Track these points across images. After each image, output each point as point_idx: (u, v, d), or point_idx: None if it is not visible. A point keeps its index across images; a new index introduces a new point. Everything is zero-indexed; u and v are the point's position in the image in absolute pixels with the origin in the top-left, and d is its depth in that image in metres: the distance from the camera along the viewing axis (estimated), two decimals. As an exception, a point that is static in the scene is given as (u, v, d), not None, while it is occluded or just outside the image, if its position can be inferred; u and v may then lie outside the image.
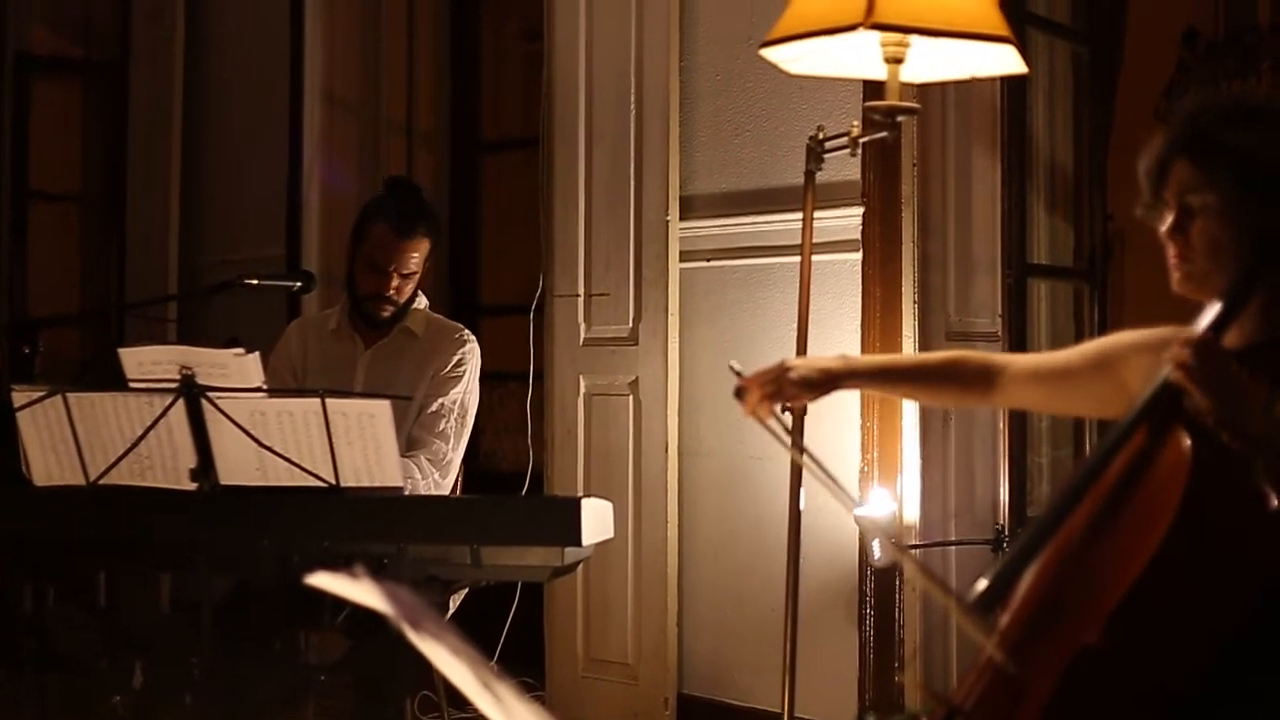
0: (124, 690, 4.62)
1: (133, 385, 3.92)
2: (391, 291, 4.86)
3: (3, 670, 6.19)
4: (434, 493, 4.74)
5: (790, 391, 3.11)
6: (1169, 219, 2.74)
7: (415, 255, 4.88)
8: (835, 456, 5.12)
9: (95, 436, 3.99)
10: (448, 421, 4.85)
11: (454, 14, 7.76)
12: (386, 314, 4.90)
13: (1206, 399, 2.46)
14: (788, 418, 4.36)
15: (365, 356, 4.94)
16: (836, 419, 5.09)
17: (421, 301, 5.04)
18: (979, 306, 5.50)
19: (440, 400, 4.85)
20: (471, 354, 4.96)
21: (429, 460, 4.77)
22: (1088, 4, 5.96)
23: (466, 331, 5.02)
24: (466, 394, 4.92)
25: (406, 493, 4.59)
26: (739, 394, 3.14)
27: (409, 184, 5.33)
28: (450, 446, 4.85)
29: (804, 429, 4.18)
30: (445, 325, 5.07)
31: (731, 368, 3.14)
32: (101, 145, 8.99)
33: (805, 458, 2.97)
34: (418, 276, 4.92)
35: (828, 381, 3.13)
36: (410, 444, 4.78)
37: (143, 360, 3.91)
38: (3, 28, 9.11)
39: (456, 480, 4.99)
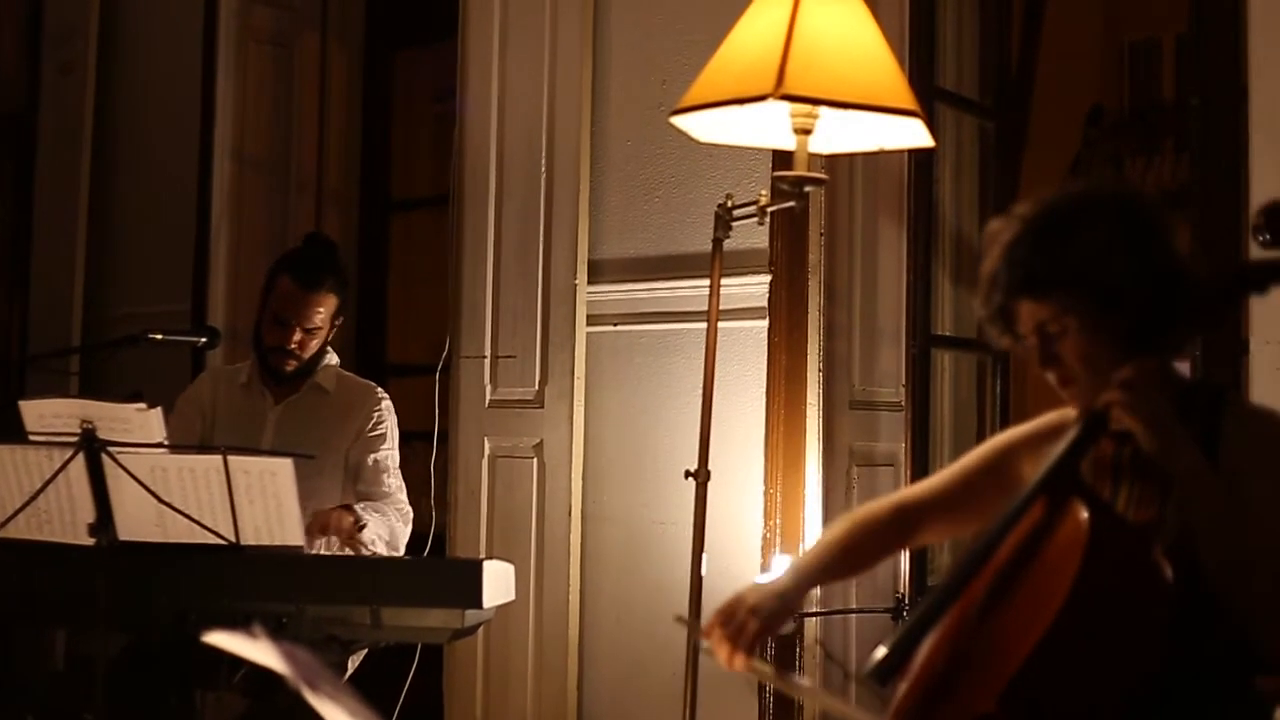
0: (16, 746, 4.56)
1: (32, 438, 3.89)
2: (294, 345, 4.85)
3: (-108, 725, 6.10)
4: (405, 542, 4.76)
5: (760, 636, 3.02)
6: (1034, 351, 2.75)
7: (319, 310, 4.87)
8: (738, 524, 5.13)
9: (-8, 489, 3.95)
10: (390, 475, 4.89)
11: (366, 73, 7.76)
12: (290, 368, 4.89)
13: (1142, 426, 2.51)
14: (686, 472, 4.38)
15: (275, 412, 4.93)
16: (741, 486, 5.10)
17: (332, 359, 5.03)
18: (883, 376, 5.54)
19: (373, 456, 4.87)
20: (389, 410, 4.99)
21: (398, 511, 4.81)
22: (996, 79, 6.02)
23: (379, 389, 5.03)
24: (394, 450, 4.96)
25: (389, 542, 4.62)
26: (707, 650, 3.07)
27: (323, 240, 5.33)
28: (403, 499, 4.89)
29: (706, 506, 4.18)
30: (357, 383, 5.07)
31: (677, 618, 3.09)
32: (7, 195, 8.91)
33: (807, 692, 2.90)
34: (324, 332, 4.91)
35: (788, 605, 3.08)
36: (365, 499, 4.80)
37: (43, 413, 3.89)
38: (-93, 75, 9.04)
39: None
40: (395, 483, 4.90)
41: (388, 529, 4.70)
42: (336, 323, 4.97)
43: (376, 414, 4.93)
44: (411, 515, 4.91)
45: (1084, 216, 2.71)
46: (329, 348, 5.04)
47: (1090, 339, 2.67)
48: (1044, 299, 2.69)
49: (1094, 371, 2.67)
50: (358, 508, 4.59)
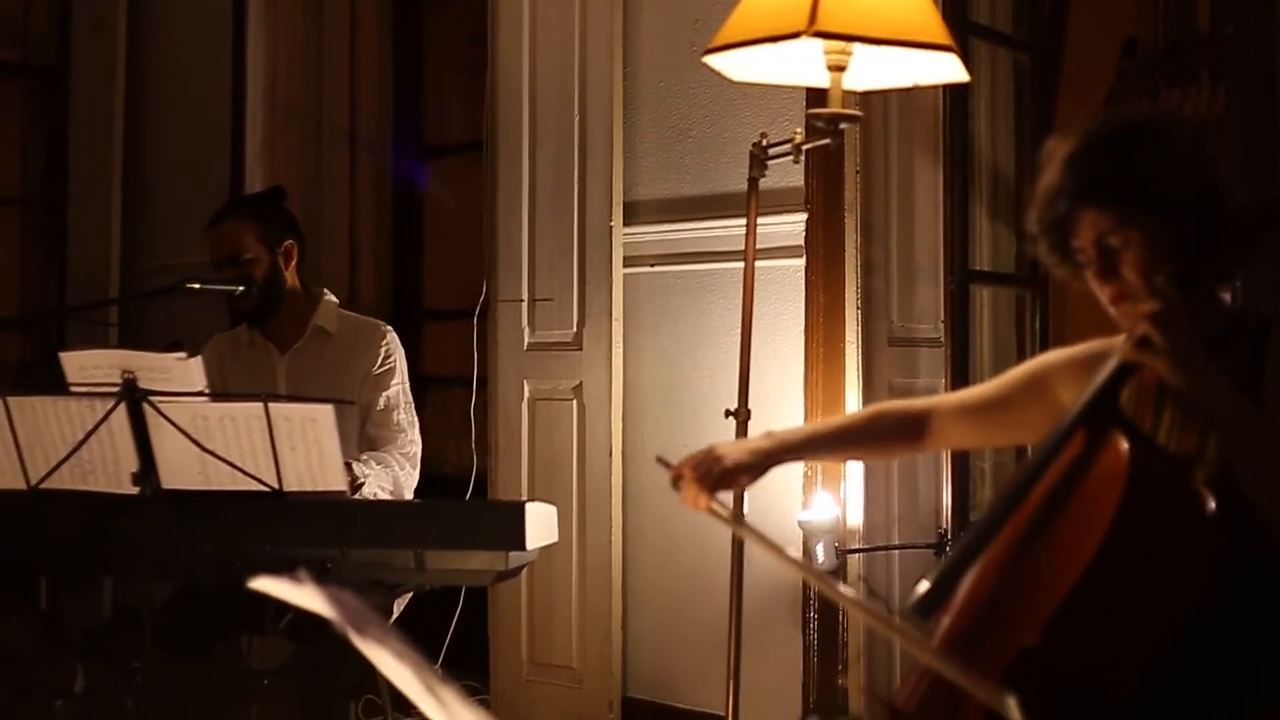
0: (65, 695, 4.60)
1: (74, 389, 3.91)
2: (231, 278, 4.85)
3: (-58, 676, 6.15)
4: (412, 484, 4.76)
5: (726, 480, 3.08)
6: (1091, 266, 2.74)
7: (232, 239, 4.87)
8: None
9: (36, 440, 3.97)
10: (399, 414, 4.86)
11: (397, 19, 7.75)
12: (248, 304, 4.88)
13: (1172, 365, 2.51)
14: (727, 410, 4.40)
15: (283, 363, 4.93)
16: (780, 423, 5.10)
17: (329, 299, 5.02)
18: (921, 312, 5.53)
19: (384, 395, 4.85)
20: (395, 345, 4.97)
21: (402, 455, 4.79)
22: (1029, 13, 6.00)
23: (383, 325, 5.02)
24: (405, 383, 4.93)
25: (392, 491, 4.62)
26: (675, 484, 3.13)
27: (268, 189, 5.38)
28: (410, 438, 4.87)
29: (747, 431, 4.19)
30: (361, 321, 5.06)
31: (659, 460, 3.13)
32: (42, 149, 8.94)
33: (758, 539, 2.94)
34: (260, 260, 4.88)
35: (762, 463, 3.10)
36: (373, 443, 4.79)
37: (84, 364, 3.90)
38: (-60, 32, 9.06)
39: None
40: (405, 419, 4.89)
41: (390, 478, 4.70)
42: (284, 249, 4.92)
43: (384, 349, 4.92)
44: (419, 454, 4.89)
45: (1150, 133, 2.71)
46: (325, 290, 5.03)
47: (1150, 254, 2.66)
48: (1108, 208, 2.68)
49: (1150, 288, 2.66)
50: (357, 465, 4.58)
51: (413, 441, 4.87)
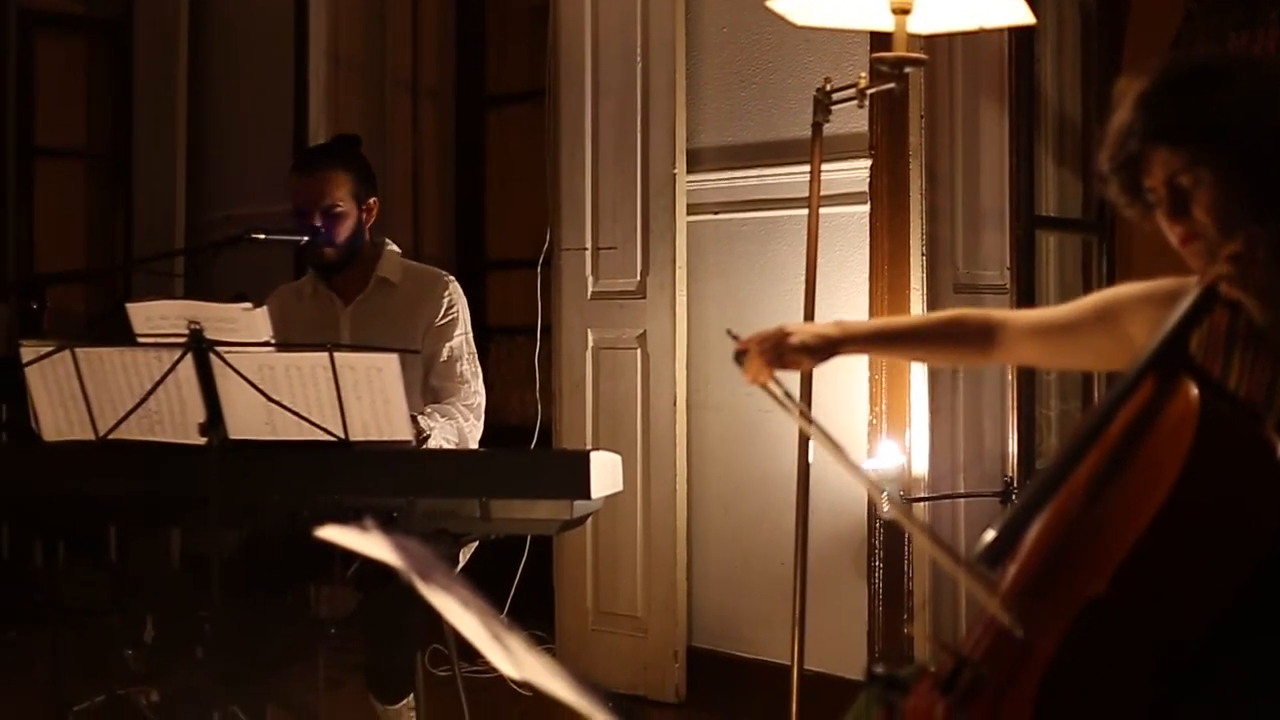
0: (135, 644, 4.63)
1: (141, 340, 3.92)
2: (319, 227, 4.82)
3: (15, 626, 6.22)
4: (477, 435, 4.76)
5: (790, 357, 3.09)
6: (1162, 206, 2.71)
7: (327, 189, 4.83)
8: (843, 411, 5.13)
9: (104, 391, 3.99)
10: (462, 364, 4.85)
11: (458, -31, 7.74)
12: (329, 256, 4.84)
13: (1251, 298, 2.49)
14: (789, 381, 4.37)
15: (346, 314, 4.92)
16: (845, 373, 5.09)
17: (392, 249, 5.01)
18: (987, 259, 5.50)
19: (447, 346, 4.84)
20: (458, 294, 4.94)
21: (466, 407, 4.78)
22: (1095, -45, 5.94)
23: (446, 274, 4.99)
24: (468, 333, 4.92)
25: (457, 443, 4.62)
26: (738, 358, 3.13)
27: (340, 136, 5.32)
28: (474, 389, 4.86)
29: (811, 389, 4.17)
30: (424, 271, 5.04)
31: (729, 333, 3.13)
32: (107, 101, 8.97)
33: (806, 420, 2.95)
34: (349, 213, 4.85)
35: (826, 348, 3.11)
36: (437, 395, 4.78)
37: (150, 315, 3.91)
38: (5, -15, 9.09)
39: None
40: (469, 369, 4.88)
41: (455, 430, 4.69)
42: (368, 204, 4.91)
43: (446, 299, 4.90)
44: (483, 405, 4.88)
45: (1222, 72, 2.68)
46: (388, 240, 5.02)
47: (1221, 195, 2.63)
48: (1180, 147, 2.66)
49: (1220, 229, 2.63)
50: (422, 418, 4.58)
51: (476, 393, 4.86)
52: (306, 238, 4.91)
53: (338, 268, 4.87)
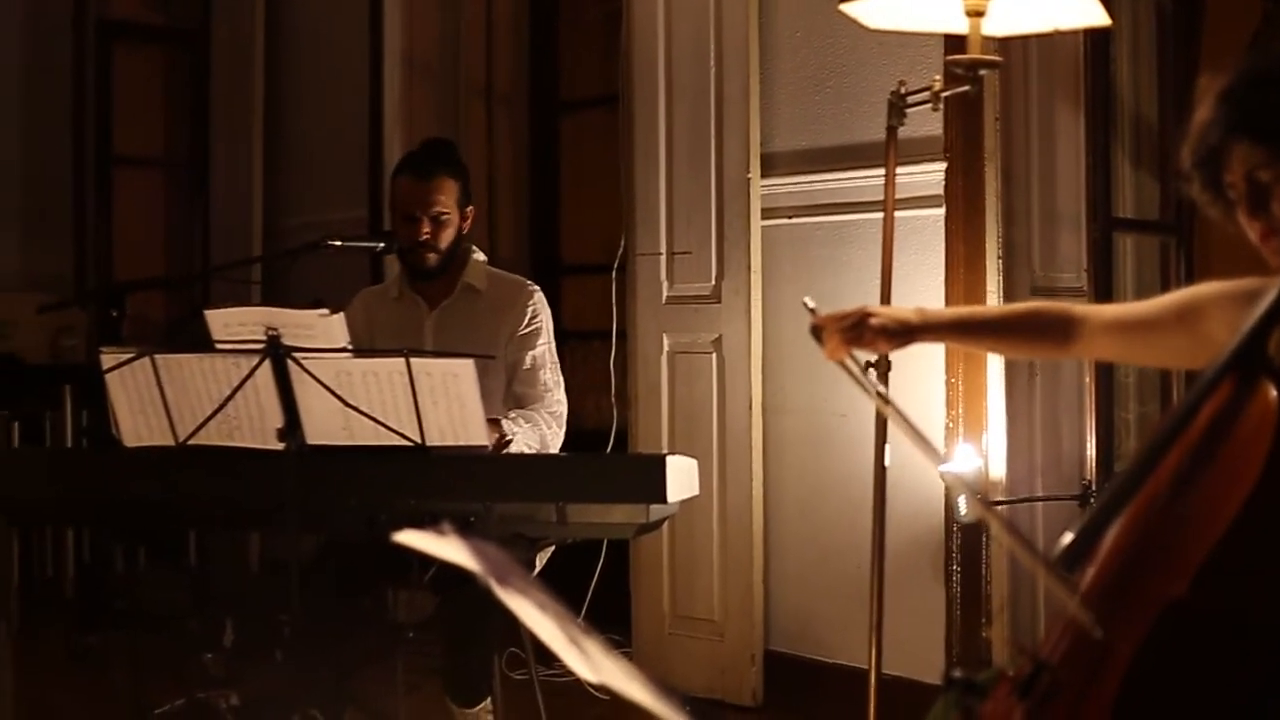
0: (215, 648, 4.66)
1: (219, 346, 3.95)
2: (425, 236, 4.84)
3: (96, 629, 6.28)
4: (559, 443, 4.77)
5: (869, 337, 3.08)
6: (1241, 201, 2.70)
7: (440, 196, 4.85)
8: (920, 412, 5.11)
9: (183, 397, 4.02)
10: (545, 372, 4.86)
11: (532, -28, 7.76)
12: (431, 262, 4.87)
13: None
14: (866, 363, 4.35)
15: (431, 318, 4.94)
16: (921, 374, 5.08)
17: (479, 256, 5.03)
18: (1064, 261, 5.47)
19: (530, 354, 4.85)
20: (542, 304, 4.96)
21: (549, 413, 4.80)
22: (1171, -46, 5.90)
23: (530, 283, 5.01)
24: (551, 342, 4.93)
25: (538, 449, 4.64)
26: (815, 333, 3.12)
27: (437, 139, 5.33)
28: (557, 397, 4.87)
29: (888, 381, 4.16)
30: (508, 279, 5.06)
31: (805, 304, 3.11)
32: (184, 110, 9.04)
33: (884, 402, 2.94)
34: (454, 220, 4.88)
35: (905, 333, 3.09)
36: (519, 401, 4.80)
37: (229, 322, 3.94)
38: (84, -6, 9.18)
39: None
40: (551, 378, 4.90)
41: (538, 436, 4.70)
42: (466, 213, 4.94)
43: (530, 308, 4.92)
44: (565, 413, 4.89)
45: None
46: (475, 248, 5.04)
47: None
48: (1261, 142, 2.64)
49: None
50: (506, 421, 4.60)
51: (559, 401, 4.88)
52: (382, 244, 4.95)
53: (435, 273, 4.89)
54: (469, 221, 4.94)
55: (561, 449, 4.87)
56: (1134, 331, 3.06)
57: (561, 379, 4.94)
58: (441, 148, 5.07)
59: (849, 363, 3.06)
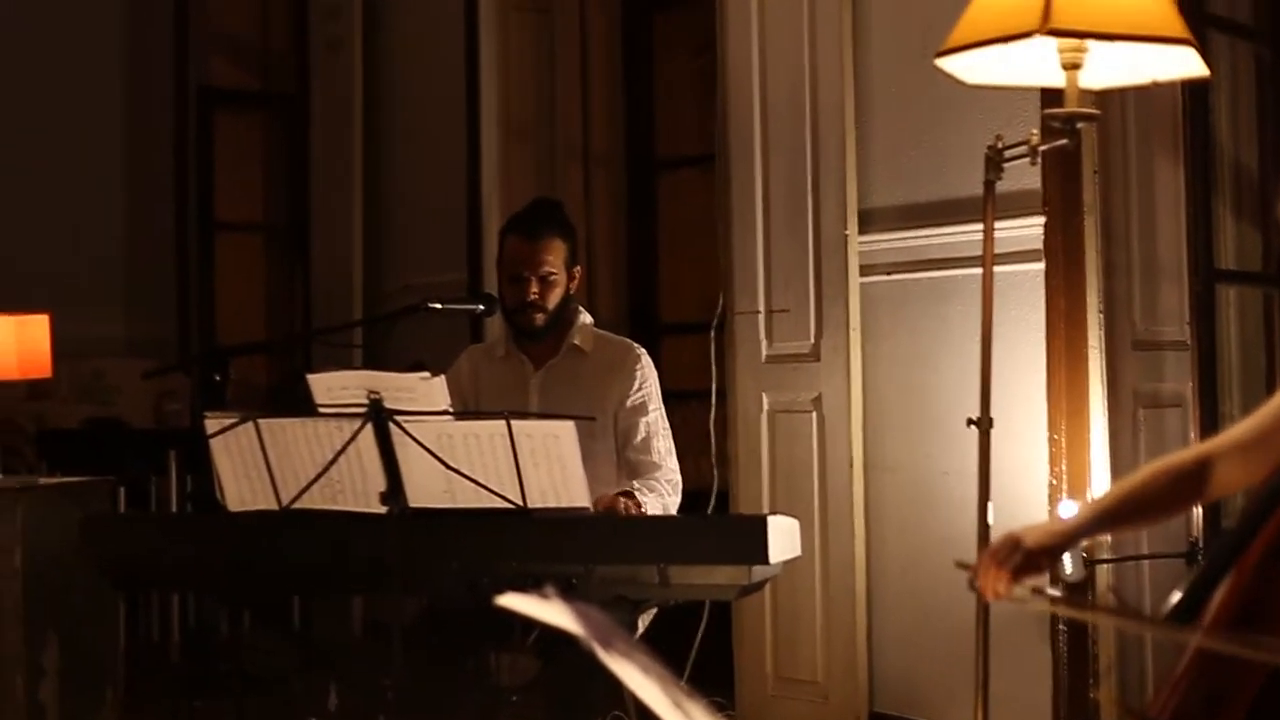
0: (319, 711, 4.68)
1: (322, 410, 3.97)
2: (533, 296, 4.85)
3: (201, 693, 6.31)
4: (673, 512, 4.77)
5: (1027, 565, 2.99)
6: None
7: (549, 257, 4.87)
8: (1024, 472, 5.07)
9: (286, 461, 4.04)
10: (658, 441, 4.86)
11: (625, 34, 7.80)
12: (538, 322, 4.89)
13: None
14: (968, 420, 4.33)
15: (536, 378, 4.96)
16: (1024, 432, 5.04)
17: (586, 318, 5.04)
18: (1166, 314, 5.42)
19: (644, 423, 4.85)
20: (649, 368, 4.96)
21: (668, 482, 4.79)
22: (1269, 3, 5.85)
23: (637, 346, 5.01)
24: (660, 409, 4.93)
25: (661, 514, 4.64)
26: (973, 586, 3.06)
27: (544, 199, 5.35)
28: (671, 467, 4.87)
29: (990, 452, 4.13)
30: (614, 341, 5.06)
31: (958, 564, 3.06)
32: (284, 175, 9.14)
33: (1070, 608, 2.88)
34: (561, 281, 4.90)
35: (1061, 543, 3.04)
36: (635, 470, 4.79)
37: (331, 385, 3.96)
38: (184, 62, 9.31)
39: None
40: (664, 445, 4.89)
41: (660, 506, 4.70)
42: (574, 273, 4.96)
43: (639, 374, 4.91)
44: (680, 482, 4.90)
45: None
46: (581, 309, 5.05)
47: None
48: None
49: None
50: (636, 492, 4.60)
51: (674, 469, 4.88)
52: (482, 306, 4.97)
53: (541, 334, 4.91)
54: (576, 282, 4.96)
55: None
56: (1254, 450, 3.00)
57: (673, 446, 4.93)
58: (549, 208, 5.09)
59: (1015, 593, 2.98)
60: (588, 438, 4.35)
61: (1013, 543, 2.97)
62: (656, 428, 4.87)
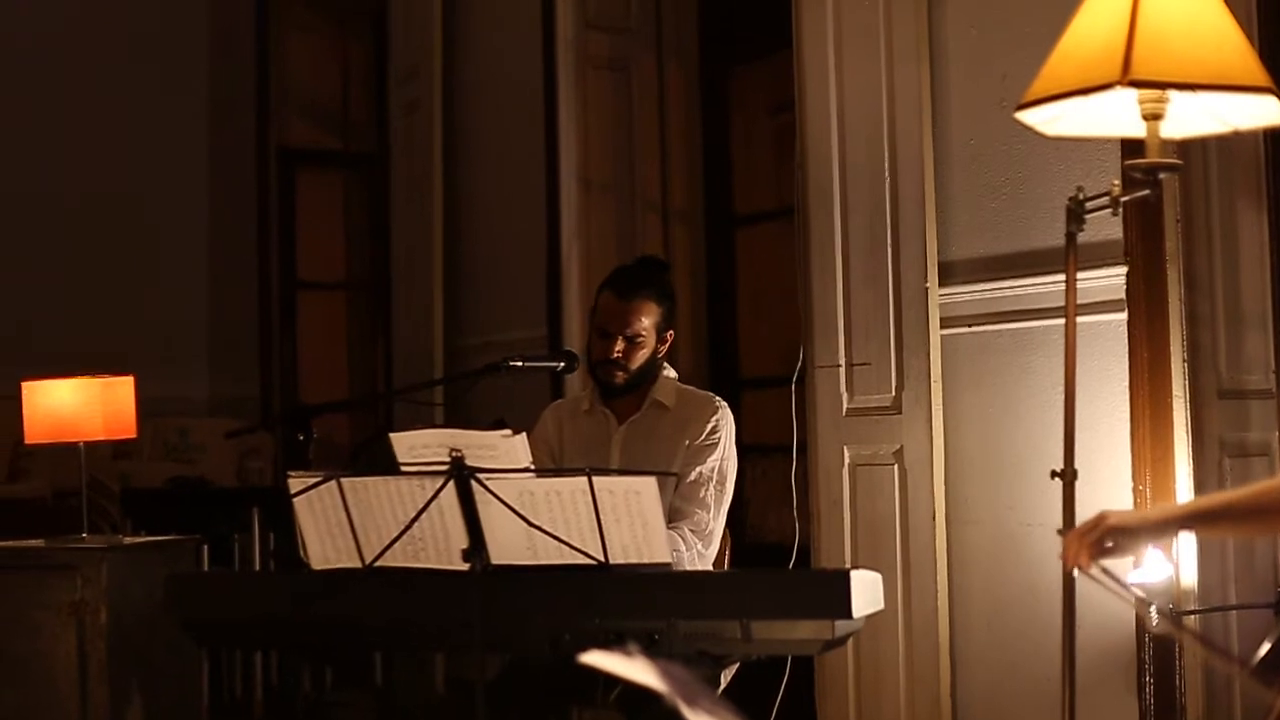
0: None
1: (404, 468, 3.99)
2: (617, 355, 4.87)
3: (285, 751, 6.33)
4: (697, 564, 4.74)
5: (1116, 541, 3.05)
6: None
7: (638, 319, 4.88)
8: (1107, 521, 5.02)
9: (369, 519, 4.06)
10: (707, 490, 4.84)
11: (703, 90, 7.83)
12: (618, 380, 4.90)
13: None
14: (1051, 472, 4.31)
15: (620, 433, 4.97)
16: (1109, 482, 5.00)
17: (670, 373, 5.05)
18: (1251, 363, 5.38)
19: (698, 469, 4.85)
20: (725, 420, 4.95)
21: (692, 531, 4.77)
22: (1352, 51, 5.82)
23: (718, 399, 5.02)
24: (724, 461, 4.91)
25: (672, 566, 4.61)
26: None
27: (649, 258, 5.36)
28: (711, 515, 4.84)
29: (1075, 501, 4.10)
30: (696, 395, 5.07)
31: (1059, 531, 3.11)
32: (365, 233, 9.21)
33: (1144, 605, 2.93)
34: (649, 344, 4.91)
35: (1146, 530, 3.08)
36: (671, 515, 4.77)
37: (413, 444, 3.98)
38: (265, 123, 9.43)
39: (725, 553, 4.99)
40: (713, 495, 4.85)
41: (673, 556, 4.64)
42: (665, 336, 4.97)
43: (711, 424, 4.91)
44: (716, 533, 4.84)
45: None
46: (666, 364, 5.05)
47: None
48: None
49: None
50: None
51: (711, 520, 4.84)
52: (563, 364, 4.99)
53: (620, 391, 4.92)
54: (667, 345, 4.97)
55: (745, 564, 4.85)
56: None
57: (725, 500, 4.90)
58: (651, 270, 5.10)
59: (1093, 571, 3.05)
60: (664, 490, 4.35)
61: (1098, 518, 3.05)
62: (710, 475, 4.86)
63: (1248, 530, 3.35)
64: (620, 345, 4.87)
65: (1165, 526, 3.11)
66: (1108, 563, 3.10)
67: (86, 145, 9.61)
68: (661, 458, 4.80)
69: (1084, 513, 4.20)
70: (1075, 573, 3.08)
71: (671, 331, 4.99)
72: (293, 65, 9.64)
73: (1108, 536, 3.04)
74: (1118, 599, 2.90)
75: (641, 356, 4.90)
